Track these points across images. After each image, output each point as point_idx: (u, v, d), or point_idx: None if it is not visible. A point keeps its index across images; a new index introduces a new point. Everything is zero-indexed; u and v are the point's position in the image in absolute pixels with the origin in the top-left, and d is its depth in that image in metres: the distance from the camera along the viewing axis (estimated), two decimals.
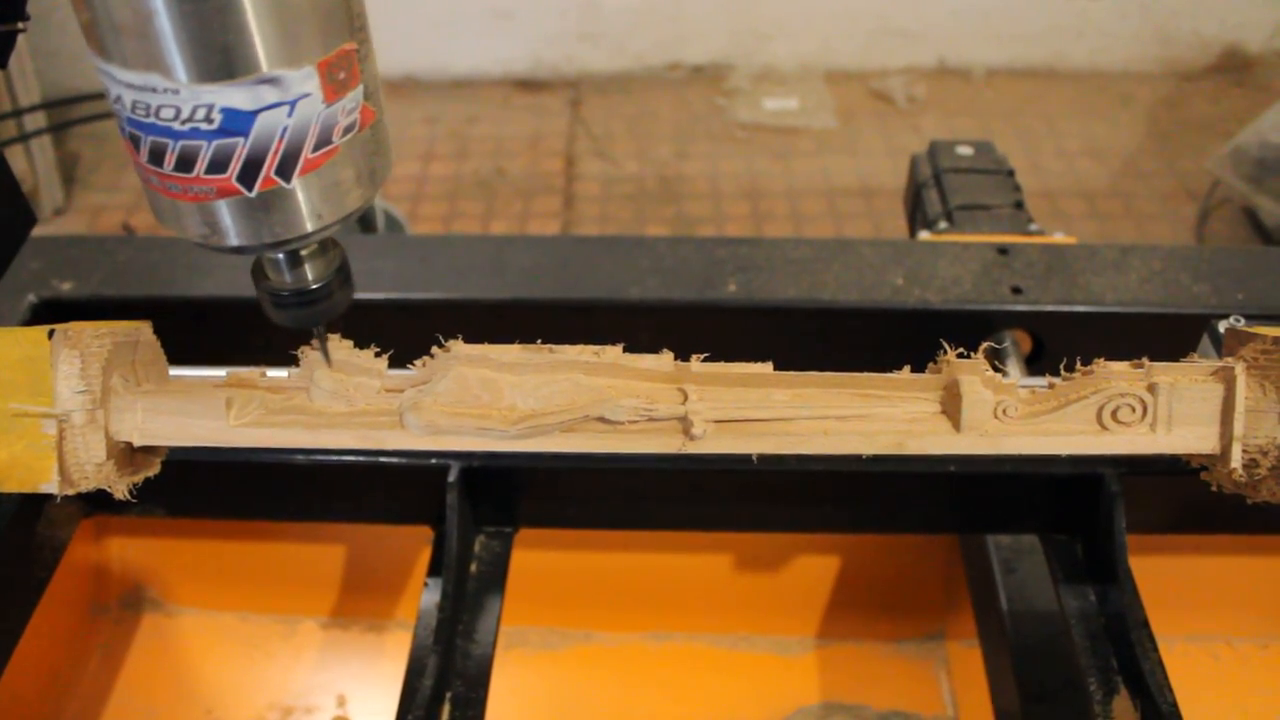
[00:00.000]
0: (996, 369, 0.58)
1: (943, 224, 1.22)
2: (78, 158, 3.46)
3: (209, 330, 1.00)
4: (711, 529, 1.03)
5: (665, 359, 0.57)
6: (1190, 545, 1.03)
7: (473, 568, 0.91)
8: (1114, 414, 0.56)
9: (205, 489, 0.96)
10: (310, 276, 0.52)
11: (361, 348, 0.59)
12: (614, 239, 1.05)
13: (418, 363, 0.58)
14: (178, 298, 0.97)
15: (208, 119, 0.43)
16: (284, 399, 0.58)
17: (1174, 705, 0.73)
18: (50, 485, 0.54)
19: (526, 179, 3.36)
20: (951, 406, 0.57)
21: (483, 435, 0.56)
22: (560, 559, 1.10)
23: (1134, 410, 0.56)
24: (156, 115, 0.43)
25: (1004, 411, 0.56)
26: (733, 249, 1.02)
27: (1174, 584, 1.03)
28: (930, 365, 0.59)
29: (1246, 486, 0.58)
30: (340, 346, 0.58)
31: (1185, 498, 0.91)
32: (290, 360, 0.59)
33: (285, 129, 0.44)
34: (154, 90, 0.42)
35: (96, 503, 0.96)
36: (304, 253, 0.52)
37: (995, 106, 3.64)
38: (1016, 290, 0.97)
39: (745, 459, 0.57)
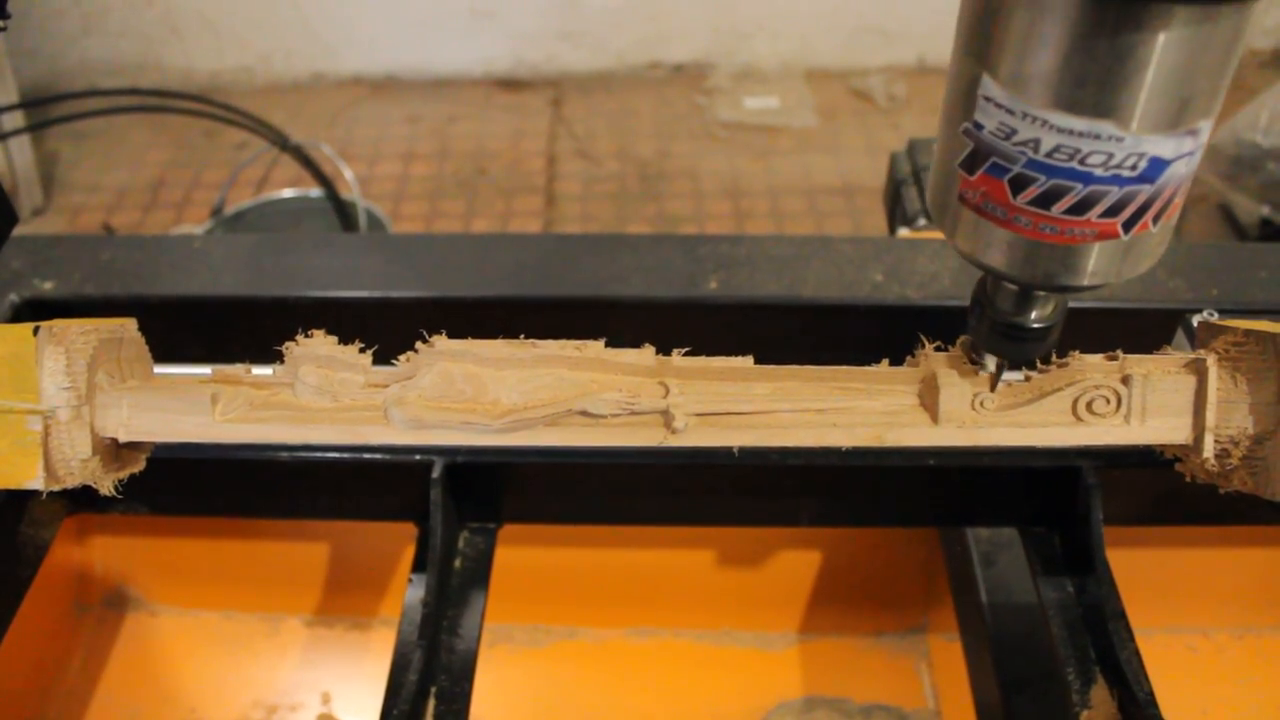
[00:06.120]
0: (974, 362, 0.58)
1: (922, 221, 1.23)
2: (57, 157, 3.44)
3: (192, 329, 1.00)
4: (694, 524, 1.03)
5: (647, 353, 0.57)
6: (1167, 538, 1.05)
7: (457, 563, 0.91)
8: (1089, 405, 0.57)
9: (189, 487, 0.96)
10: (1036, 315, 0.54)
11: (345, 344, 0.59)
12: (596, 237, 1.05)
13: (401, 358, 0.58)
14: (161, 296, 0.97)
15: (1132, 167, 0.45)
16: (269, 395, 0.58)
17: (1150, 693, 0.74)
18: (35, 481, 0.55)
19: (508, 178, 3.37)
20: (929, 399, 0.58)
21: (467, 429, 0.56)
22: (544, 555, 1.11)
23: (1108, 402, 0.57)
24: (1080, 161, 0.45)
25: (981, 403, 0.57)
26: (714, 246, 1.02)
27: (1151, 576, 1.05)
28: (908, 359, 0.60)
29: (1219, 477, 0.59)
30: (324, 343, 0.58)
31: (1161, 490, 0.92)
32: (275, 357, 0.59)
33: (1181, 177, 0.46)
34: (1096, 138, 0.44)
35: (79, 501, 0.96)
36: (1041, 294, 0.54)
37: None
38: None
39: (726, 452, 0.57)
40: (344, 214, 2.39)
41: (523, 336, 0.58)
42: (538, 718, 1.11)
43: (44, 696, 1.05)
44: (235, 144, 3.41)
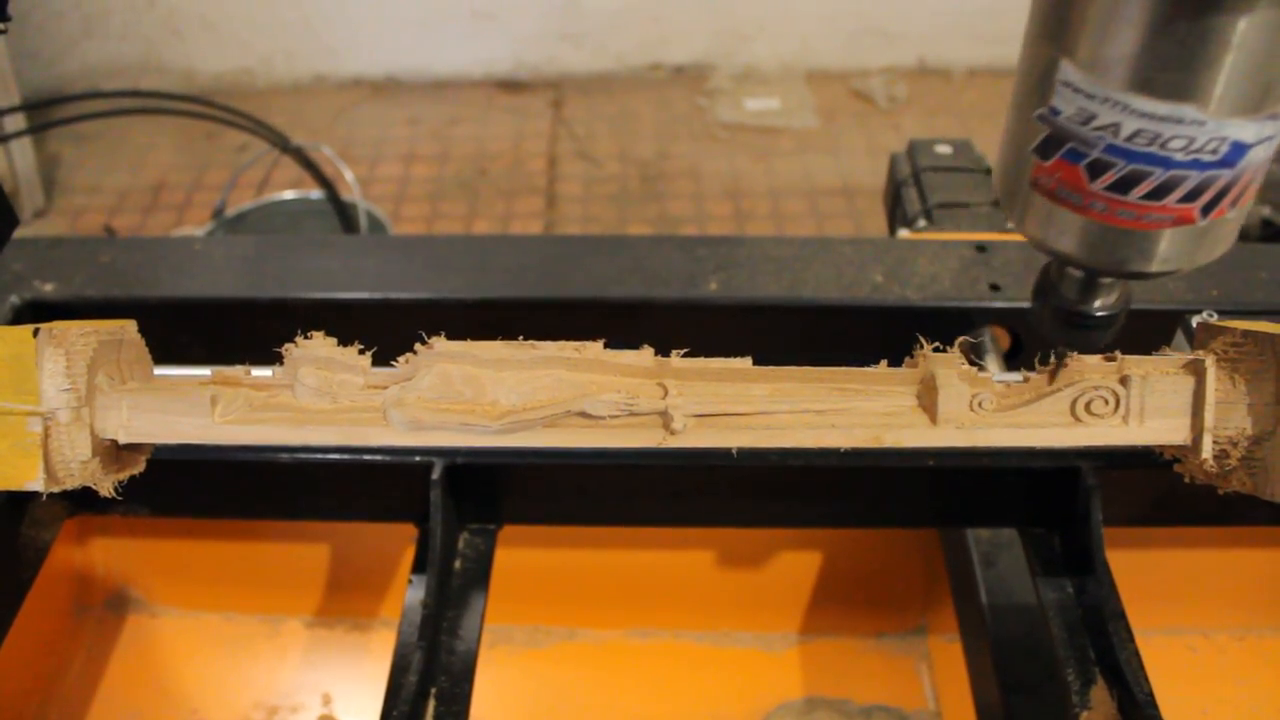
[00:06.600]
0: (974, 364, 0.58)
1: (922, 222, 1.23)
2: (58, 159, 3.45)
3: (192, 330, 1.00)
4: (694, 525, 1.03)
5: (645, 354, 0.57)
6: (1166, 538, 1.05)
7: (457, 564, 0.91)
8: (1087, 406, 0.57)
9: (189, 488, 0.96)
10: (1100, 303, 0.54)
11: (345, 346, 0.59)
12: (596, 238, 1.05)
13: (401, 360, 0.58)
14: (161, 298, 0.97)
15: (1213, 151, 0.45)
16: (268, 396, 0.58)
17: (1149, 694, 0.74)
18: (35, 483, 0.55)
19: (509, 179, 3.37)
20: (928, 400, 0.58)
21: (466, 431, 0.56)
22: (544, 556, 1.11)
23: (1107, 403, 0.57)
24: (1160, 145, 0.45)
25: (979, 404, 0.57)
26: (714, 248, 1.02)
27: (1151, 577, 1.05)
28: (907, 360, 0.60)
29: (1217, 477, 0.59)
30: (323, 344, 0.58)
31: (1161, 491, 0.92)
32: (275, 359, 0.59)
33: (1261, 162, 0.47)
34: (1178, 122, 0.44)
35: (80, 503, 0.96)
36: (1107, 281, 0.53)
37: (975, 106, 3.67)
38: (995, 287, 0.98)
39: (725, 453, 0.57)
40: (344, 215, 2.39)
41: (522, 338, 0.58)
42: (538, 718, 1.11)
43: (45, 698, 1.06)
44: (236, 146, 3.41)
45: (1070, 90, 0.45)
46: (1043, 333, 0.57)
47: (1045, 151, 0.47)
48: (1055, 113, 0.46)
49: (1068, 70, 0.44)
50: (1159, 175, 0.45)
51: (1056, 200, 0.49)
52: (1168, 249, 0.49)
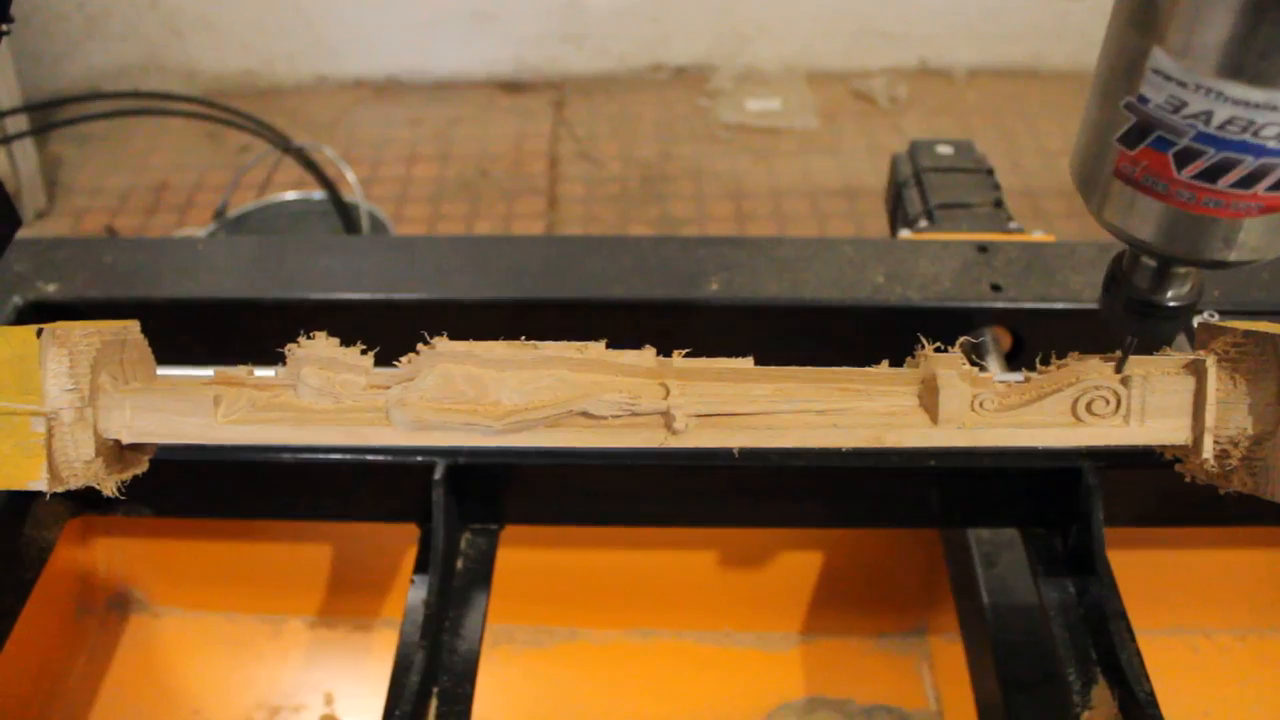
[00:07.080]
0: (976, 364, 0.58)
1: (923, 222, 1.23)
2: (60, 160, 3.45)
3: (195, 331, 1.00)
4: (696, 525, 1.03)
5: (647, 354, 0.57)
6: (1169, 539, 1.05)
7: (459, 564, 0.91)
8: (1088, 406, 0.57)
9: (192, 488, 0.96)
10: (1172, 294, 0.54)
11: (347, 346, 0.59)
12: (597, 239, 1.05)
13: (403, 360, 0.58)
14: (163, 299, 0.97)
15: None
16: (271, 396, 0.58)
17: (1150, 693, 0.74)
18: (39, 483, 0.55)
19: (510, 180, 3.37)
20: (929, 400, 0.58)
21: (468, 430, 0.56)
22: (546, 556, 1.11)
23: (1108, 403, 0.57)
24: (1253, 133, 0.45)
25: (980, 404, 0.57)
26: (715, 248, 1.02)
27: (1153, 577, 1.05)
28: (908, 360, 0.60)
29: (1218, 477, 0.59)
30: (326, 344, 0.58)
31: (1162, 491, 0.92)
32: (278, 359, 0.59)
33: None
34: (1272, 109, 0.44)
35: (83, 503, 0.96)
36: (1181, 271, 0.53)
37: (977, 107, 3.66)
38: (996, 287, 0.98)
39: (727, 453, 0.57)
40: (346, 216, 2.39)
41: (524, 338, 0.58)
42: (540, 718, 1.11)
43: (47, 699, 1.06)
44: (238, 146, 3.41)
45: (1160, 78, 0.44)
46: (1111, 324, 0.56)
47: (1131, 140, 0.47)
48: (1144, 101, 0.46)
49: (1159, 58, 0.44)
50: (1250, 163, 0.45)
51: (1140, 188, 0.48)
52: (1251, 237, 0.48)
